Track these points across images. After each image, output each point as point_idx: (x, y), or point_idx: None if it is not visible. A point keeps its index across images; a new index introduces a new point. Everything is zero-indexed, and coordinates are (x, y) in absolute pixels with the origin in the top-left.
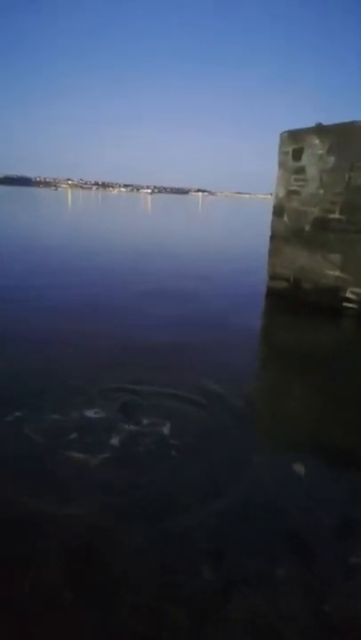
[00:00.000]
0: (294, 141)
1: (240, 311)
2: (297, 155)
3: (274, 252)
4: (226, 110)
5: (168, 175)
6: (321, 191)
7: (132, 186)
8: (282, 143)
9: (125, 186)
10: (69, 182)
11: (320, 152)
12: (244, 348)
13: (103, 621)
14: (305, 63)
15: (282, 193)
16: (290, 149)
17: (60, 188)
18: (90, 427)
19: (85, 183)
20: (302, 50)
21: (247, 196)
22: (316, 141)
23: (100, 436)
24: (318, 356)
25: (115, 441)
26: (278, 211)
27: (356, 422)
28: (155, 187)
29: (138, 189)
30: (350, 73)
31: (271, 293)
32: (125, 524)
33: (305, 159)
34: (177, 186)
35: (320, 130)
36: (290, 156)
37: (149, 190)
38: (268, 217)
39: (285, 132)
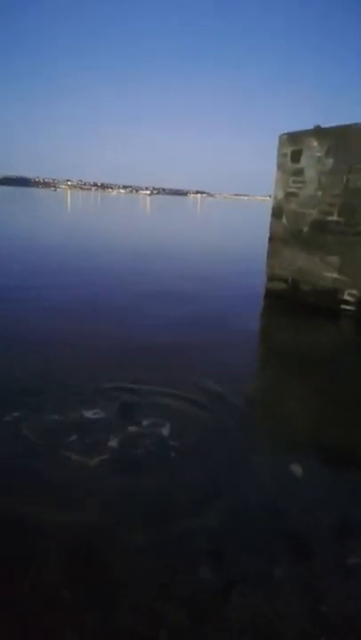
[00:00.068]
0: (293, 143)
1: (239, 312)
2: (296, 157)
3: (272, 253)
4: (226, 110)
5: (167, 176)
6: (319, 193)
7: (131, 187)
8: (281, 145)
9: (124, 187)
10: (69, 183)
11: (318, 154)
12: (243, 349)
13: (103, 621)
14: (305, 63)
15: (280, 195)
16: (288, 151)
17: (59, 189)
18: (89, 427)
19: (85, 184)
20: (302, 50)
21: (246, 197)
22: (315, 144)
23: (99, 437)
24: (317, 356)
25: (114, 442)
26: (277, 212)
27: (355, 422)
28: (154, 188)
29: (137, 190)
30: (350, 73)
31: (270, 295)
32: (125, 524)
33: (303, 161)
34: (176, 187)
35: (319, 132)
36: (288, 158)
37: (148, 192)
38: (267, 219)
39: (284, 134)
